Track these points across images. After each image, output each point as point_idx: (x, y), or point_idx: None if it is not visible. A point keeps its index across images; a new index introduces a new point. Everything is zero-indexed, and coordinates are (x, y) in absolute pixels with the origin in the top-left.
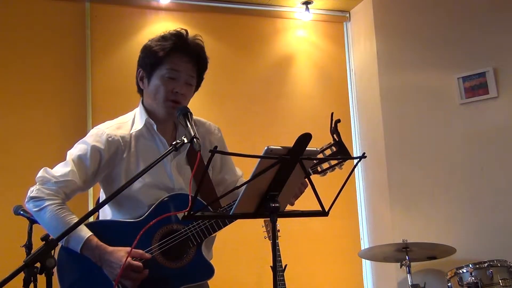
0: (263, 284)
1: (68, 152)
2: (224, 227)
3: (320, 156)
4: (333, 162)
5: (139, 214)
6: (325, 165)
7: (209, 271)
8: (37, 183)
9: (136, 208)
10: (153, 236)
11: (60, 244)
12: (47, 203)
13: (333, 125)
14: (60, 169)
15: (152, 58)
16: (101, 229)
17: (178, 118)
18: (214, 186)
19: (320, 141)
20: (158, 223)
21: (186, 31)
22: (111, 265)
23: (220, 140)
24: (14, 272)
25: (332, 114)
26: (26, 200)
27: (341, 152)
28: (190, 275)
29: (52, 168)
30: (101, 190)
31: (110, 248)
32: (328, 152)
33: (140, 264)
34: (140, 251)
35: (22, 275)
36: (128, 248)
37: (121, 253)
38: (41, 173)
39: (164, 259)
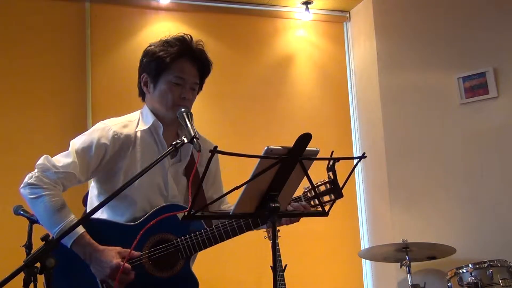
0: (263, 284)
1: (71, 142)
2: (215, 244)
3: (315, 188)
4: (326, 198)
5: (132, 214)
6: (327, 198)
7: (194, 285)
8: (36, 170)
9: (130, 207)
10: (144, 243)
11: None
12: (44, 192)
13: (330, 163)
14: (62, 159)
15: (158, 63)
16: (96, 227)
17: (178, 118)
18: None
19: (320, 141)
20: (150, 231)
21: (190, 36)
22: (101, 264)
23: (215, 159)
24: (14, 272)
25: (332, 152)
26: (23, 185)
27: (335, 191)
28: (175, 286)
29: (53, 157)
30: (93, 183)
31: (102, 247)
32: (322, 188)
33: (129, 266)
34: (128, 250)
35: (22, 275)
36: (118, 248)
37: (111, 252)
38: (42, 160)
39: (152, 267)
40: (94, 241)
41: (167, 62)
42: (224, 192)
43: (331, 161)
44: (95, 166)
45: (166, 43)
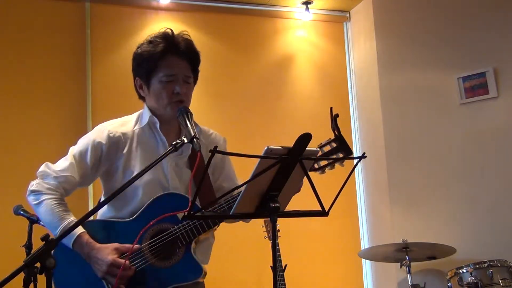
0: (263, 284)
1: (70, 148)
2: (213, 227)
3: (319, 153)
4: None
5: (132, 209)
6: (323, 162)
7: (197, 270)
8: (38, 177)
9: (130, 202)
10: (143, 235)
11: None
12: (45, 197)
13: (332, 120)
14: (61, 164)
15: (146, 65)
16: (94, 228)
17: (178, 118)
18: (213, 189)
19: (320, 141)
20: (147, 223)
21: (171, 30)
22: (97, 261)
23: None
24: (14, 272)
25: (331, 108)
26: (27, 193)
27: (341, 148)
28: (179, 274)
29: (53, 163)
30: (102, 186)
31: (98, 245)
32: (327, 148)
33: (123, 261)
34: (127, 245)
35: (22, 275)
36: (115, 244)
37: (107, 250)
38: (42, 167)
39: (153, 258)
40: (92, 240)
41: (154, 62)
42: (235, 178)
43: (333, 118)
44: (94, 166)
45: (150, 43)
